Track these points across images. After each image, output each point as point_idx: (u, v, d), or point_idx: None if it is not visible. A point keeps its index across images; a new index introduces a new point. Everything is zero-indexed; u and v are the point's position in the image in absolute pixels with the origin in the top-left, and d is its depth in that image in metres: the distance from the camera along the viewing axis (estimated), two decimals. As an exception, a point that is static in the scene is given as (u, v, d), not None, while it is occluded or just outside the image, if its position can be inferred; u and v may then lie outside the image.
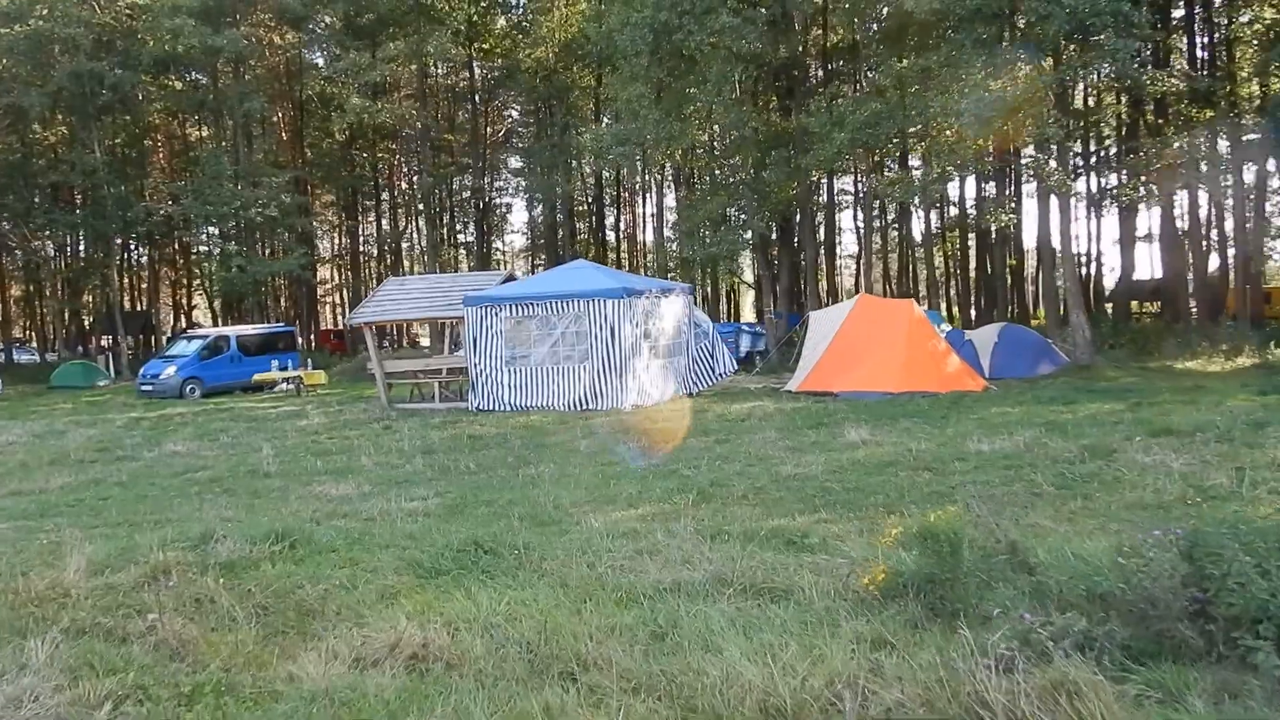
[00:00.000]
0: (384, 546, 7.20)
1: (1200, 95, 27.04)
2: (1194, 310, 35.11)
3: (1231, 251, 34.55)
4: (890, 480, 8.86)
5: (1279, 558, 3.85)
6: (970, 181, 35.31)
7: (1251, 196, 30.08)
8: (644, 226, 58.17)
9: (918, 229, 43.17)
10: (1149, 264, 48.84)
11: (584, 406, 17.92)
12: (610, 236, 54.42)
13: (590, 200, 52.76)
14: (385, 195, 56.62)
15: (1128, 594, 4.13)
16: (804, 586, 5.29)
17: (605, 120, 39.52)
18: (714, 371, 20.80)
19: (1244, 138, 26.32)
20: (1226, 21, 30.29)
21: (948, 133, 20.84)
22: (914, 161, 30.58)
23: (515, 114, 55.11)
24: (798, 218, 29.25)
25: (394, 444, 14.10)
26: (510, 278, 21.34)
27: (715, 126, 28.33)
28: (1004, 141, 21.68)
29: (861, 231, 41.55)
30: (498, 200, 56.05)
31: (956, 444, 10.66)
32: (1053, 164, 20.12)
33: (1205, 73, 28.63)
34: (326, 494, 10.29)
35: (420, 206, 54.85)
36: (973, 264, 42.10)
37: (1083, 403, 14.46)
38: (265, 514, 9.25)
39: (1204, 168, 22.38)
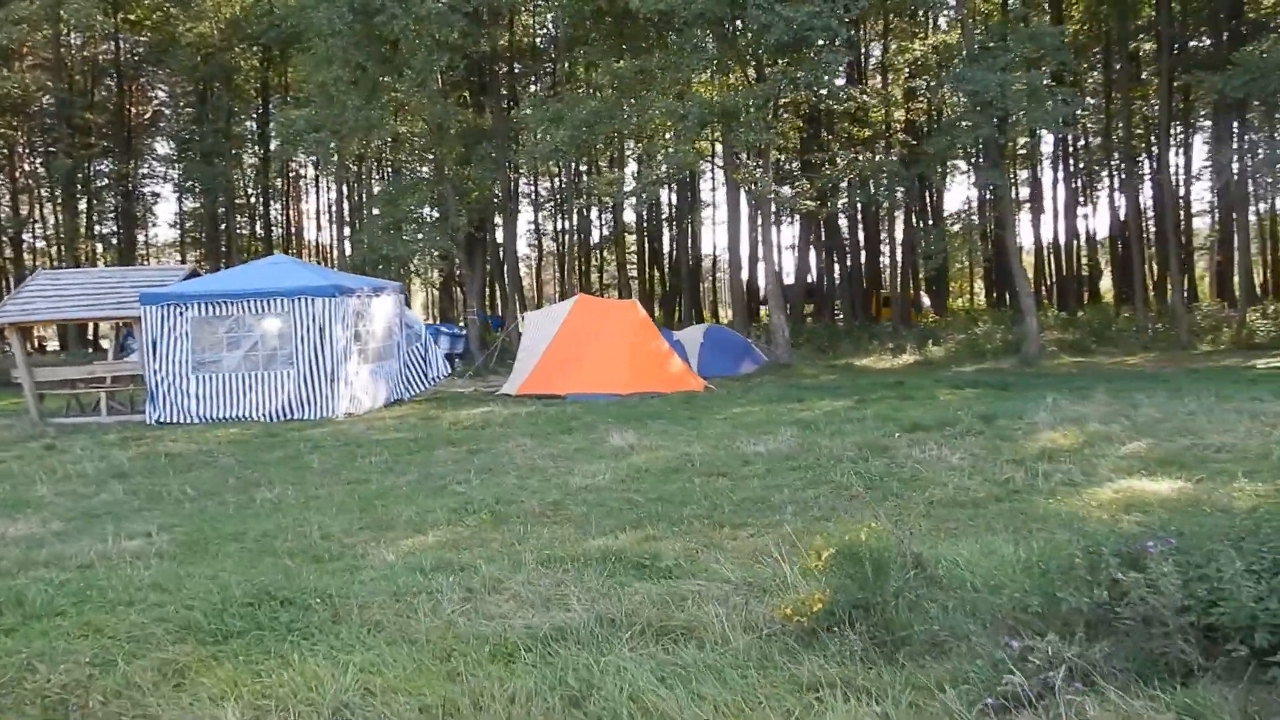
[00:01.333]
0: (125, 604, 5.71)
1: (858, 117, 29.45)
2: (838, 314, 38.41)
3: (886, 259, 38.14)
4: (689, 489, 8.39)
5: (1259, 558, 3.70)
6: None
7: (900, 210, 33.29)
8: (315, 221, 54.95)
9: (599, 232, 44.02)
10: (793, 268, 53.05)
11: (289, 416, 16.15)
12: (277, 232, 50.57)
13: (255, 193, 48.81)
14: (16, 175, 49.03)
15: (1106, 610, 3.85)
16: (708, 623, 4.63)
17: (277, 104, 36.68)
18: (427, 376, 19.60)
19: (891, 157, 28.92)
20: (881, 50, 33.23)
21: (667, 135, 21.00)
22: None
23: (163, 94, 49.75)
24: (497, 217, 28.50)
25: (70, 467, 11.78)
26: (194, 273, 18.85)
27: (416, 118, 26.85)
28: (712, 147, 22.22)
29: (564, 232, 41.43)
30: (143, 190, 50.31)
31: (729, 447, 10.43)
32: (758, 172, 20.87)
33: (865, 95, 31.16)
34: (1, 535, 8.22)
35: (51, 192, 48.34)
36: (666, 266, 43.46)
37: (811, 400, 14.93)
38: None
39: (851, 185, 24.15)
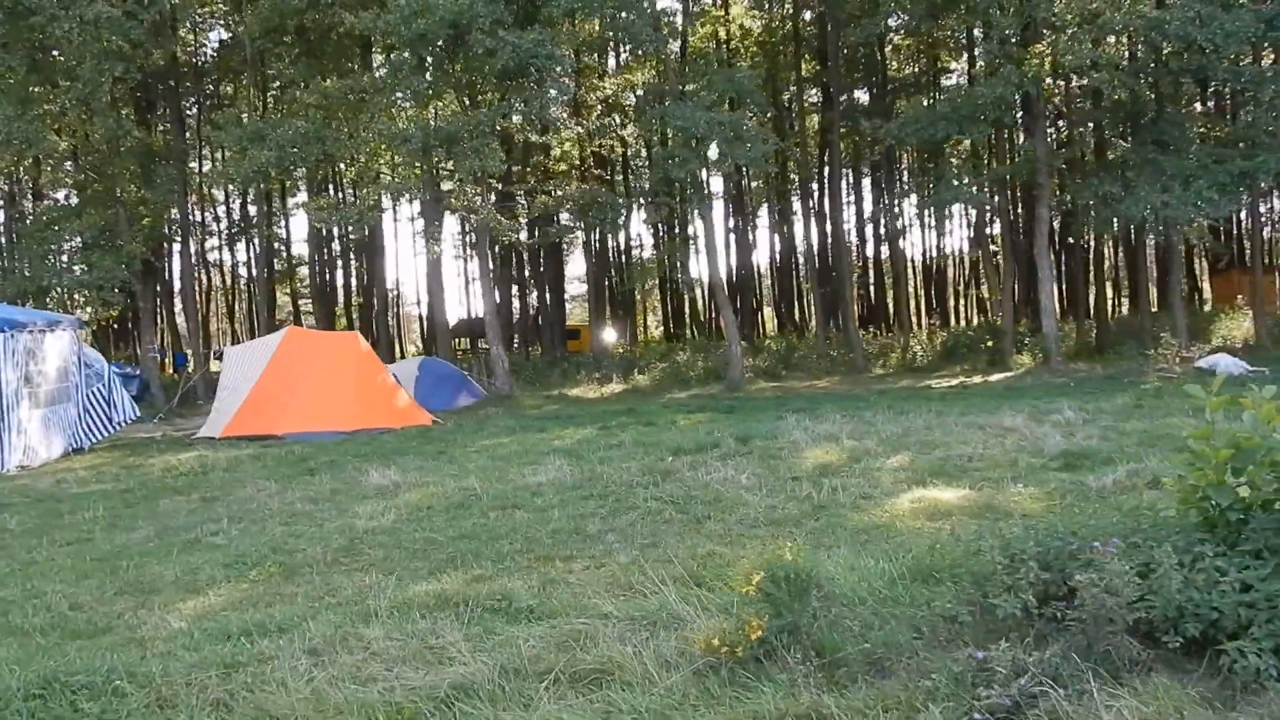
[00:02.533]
0: None
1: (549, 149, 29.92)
2: (516, 344, 38.68)
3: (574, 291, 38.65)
4: (489, 524, 7.87)
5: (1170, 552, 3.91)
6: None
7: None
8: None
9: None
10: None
11: (-57, 473, 13.63)
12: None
13: None
14: None
15: (1052, 612, 3.92)
16: (623, 663, 4.24)
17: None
18: (111, 420, 17.30)
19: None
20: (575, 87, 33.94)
21: (385, 159, 19.98)
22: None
23: None
24: (175, 244, 25.93)
25: None
26: None
27: (78, 133, 23.83)
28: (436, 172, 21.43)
29: (247, 263, 38.29)
30: None
31: (505, 479, 9.97)
32: (477, 199, 20.41)
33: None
34: None
35: None
36: (342, 299, 41.55)
37: (555, 430, 14.71)
38: None
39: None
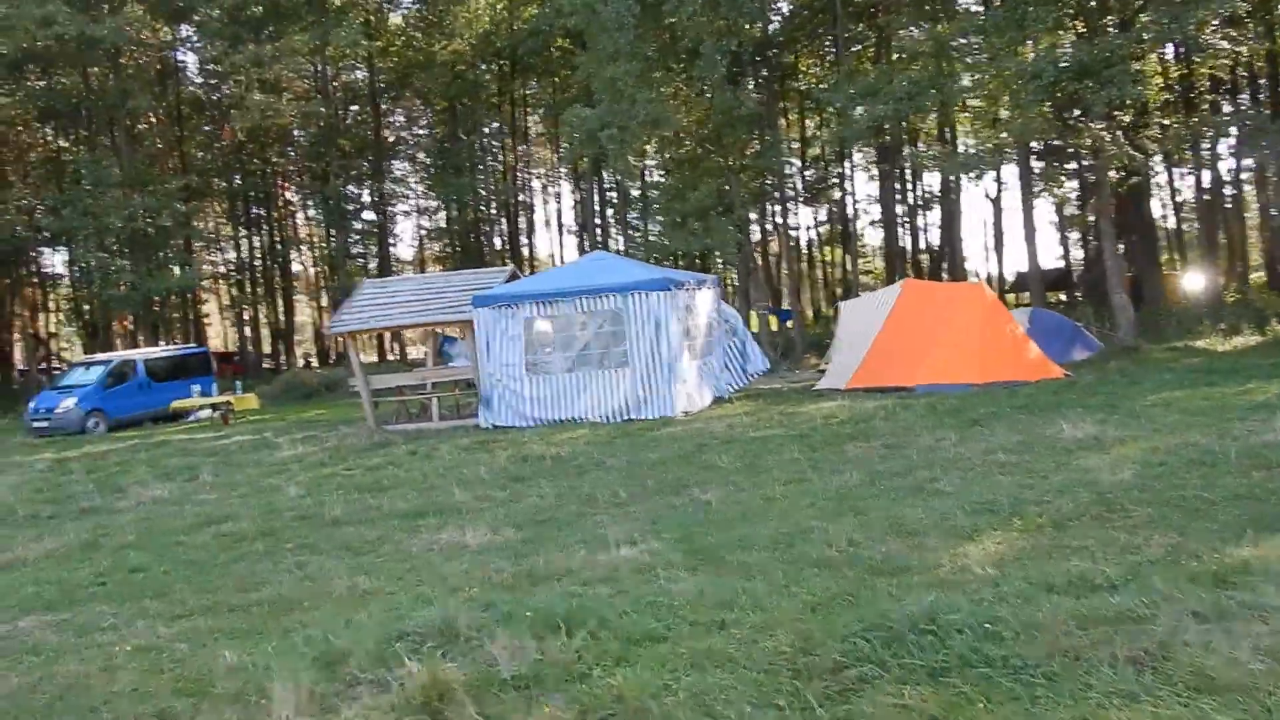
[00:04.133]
0: (716, 626, 4.78)
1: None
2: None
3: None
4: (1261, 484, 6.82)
5: None
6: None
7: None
8: (550, 227, 55.63)
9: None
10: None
11: (625, 417, 15.45)
12: (502, 243, 51.22)
13: (498, 204, 49.70)
14: (274, 205, 52.18)
15: None
16: None
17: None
18: (745, 371, 18.57)
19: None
20: None
21: (1004, 101, 18.95)
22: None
23: (402, 118, 51.63)
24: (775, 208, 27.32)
25: (461, 471, 11.37)
26: (514, 276, 18.59)
27: (694, 109, 26.01)
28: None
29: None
30: (390, 208, 52.21)
31: (1228, 434, 8.73)
32: (1106, 137, 18.48)
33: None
34: (458, 543, 7.60)
35: (312, 214, 51.21)
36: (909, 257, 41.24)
37: (1234, 384, 12.84)
38: (417, 580, 6.60)
39: None
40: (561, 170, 49.16)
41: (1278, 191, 33.32)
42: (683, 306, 16.11)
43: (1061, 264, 42.83)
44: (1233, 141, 25.90)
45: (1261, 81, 31.54)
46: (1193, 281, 38.01)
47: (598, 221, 41.36)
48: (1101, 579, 4.95)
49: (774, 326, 26.55)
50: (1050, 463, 8.38)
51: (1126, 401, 12.02)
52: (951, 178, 23.19)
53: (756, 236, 36.64)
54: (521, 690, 4.24)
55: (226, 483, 12.55)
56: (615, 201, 40.08)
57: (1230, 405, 10.76)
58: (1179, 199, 42.04)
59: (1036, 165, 24.68)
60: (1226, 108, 31.14)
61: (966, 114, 23.90)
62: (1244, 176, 35.50)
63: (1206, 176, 37.21)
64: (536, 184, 53.92)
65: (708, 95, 22.99)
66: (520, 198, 50.40)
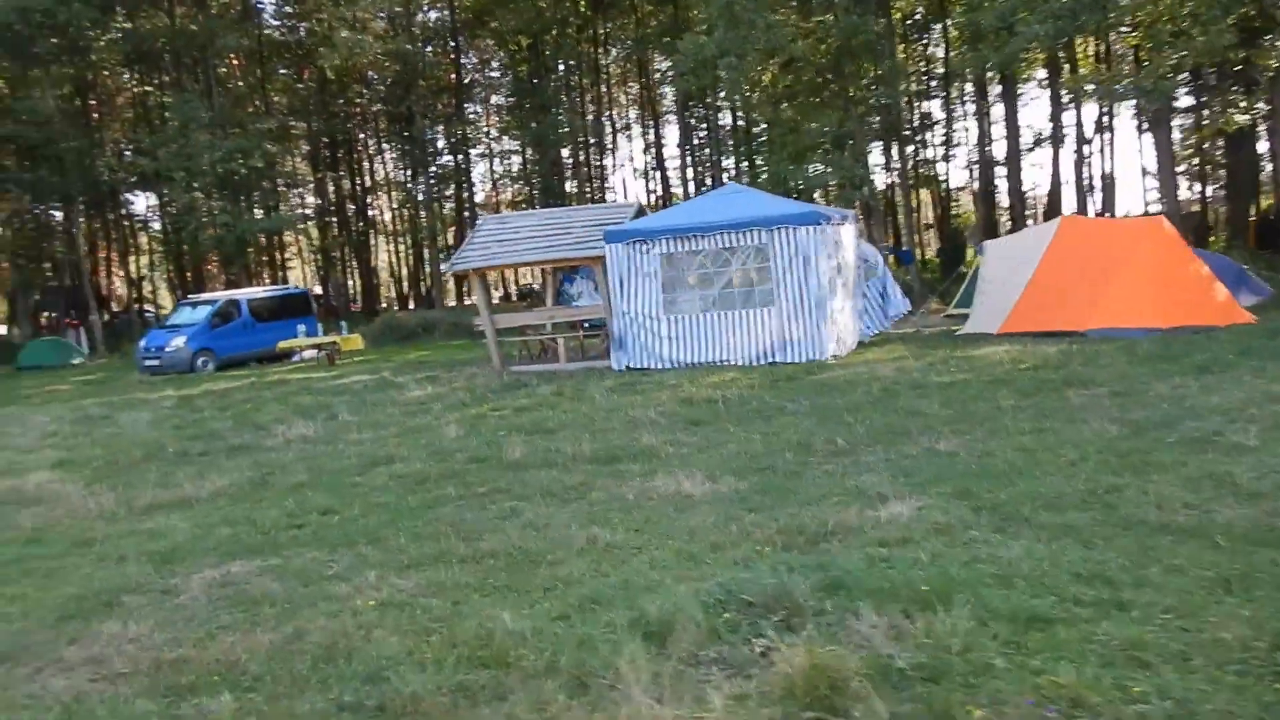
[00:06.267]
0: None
1: None
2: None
3: None
4: None
5: None
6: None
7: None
8: (628, 164, 54.48)
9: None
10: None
11: (771, 360, 14.54)
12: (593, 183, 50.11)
13: (579, 144, 48.51)
14: (354, 149, 51.65)
15: None
16: None
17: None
18: (886, 314, 17.51)
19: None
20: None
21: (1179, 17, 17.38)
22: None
23: (474, 59, 50.62)
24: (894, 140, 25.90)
25: (617, 414, 10.60)
26: (641, 211, 17.66)
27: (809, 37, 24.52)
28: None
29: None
30: (469, 150, 51.25)
31: None
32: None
33: None
34: (678, 492, 6.81)
35: (397, 157, 50.76)
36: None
37: None
38: (663, 533, 5.82)
39: None
40: (643, 111, 48.00)
41: None
42: (832, 242, 15.07)
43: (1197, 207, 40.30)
44: None
45: None
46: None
47: (690, 160, 40.12)
48: None
49: (895, 268, 25.27)
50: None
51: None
52: (1106, 106, 21.56)
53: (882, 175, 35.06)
54: (926, 683, 3.41)
55: (370, 422, 11.96)
56: (719, 138, 38.72)
57: None
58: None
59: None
60: None
61: (1135, 33, 22.01)
62: None
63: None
64: (617, 123, 52.72)
65: (829, 19, 21.56)
66: (603, 137, 49.37)
